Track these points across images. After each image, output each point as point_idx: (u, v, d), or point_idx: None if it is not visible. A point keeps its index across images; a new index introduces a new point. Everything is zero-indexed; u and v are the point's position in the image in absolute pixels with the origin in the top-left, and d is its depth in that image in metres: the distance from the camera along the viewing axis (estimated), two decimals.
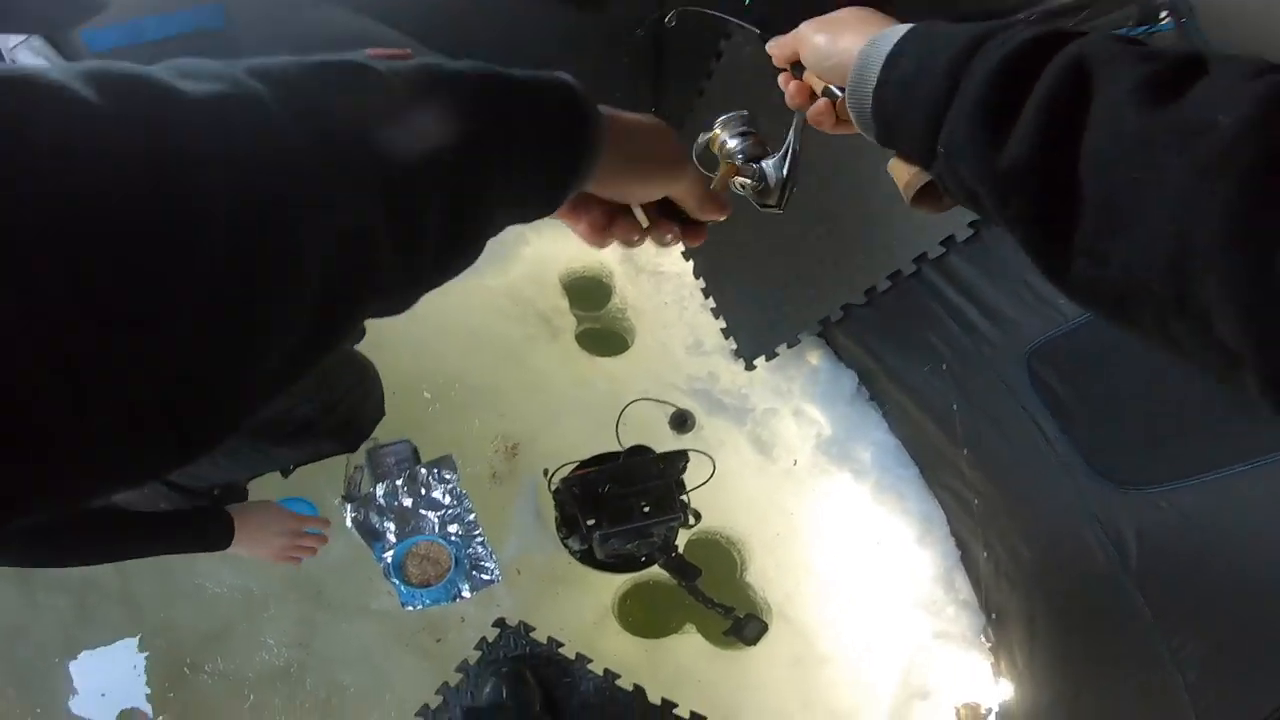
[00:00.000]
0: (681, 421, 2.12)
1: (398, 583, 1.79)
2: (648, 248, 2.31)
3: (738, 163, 0.71)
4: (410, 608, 1.80)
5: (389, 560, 1.81)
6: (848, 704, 1.88)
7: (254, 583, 1.81)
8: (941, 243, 1.62)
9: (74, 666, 1.73)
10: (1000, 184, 0.42)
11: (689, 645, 1.93)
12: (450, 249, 0.38)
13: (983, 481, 1.79)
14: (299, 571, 1.85)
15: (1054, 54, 0.42)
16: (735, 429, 2.12)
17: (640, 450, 1.90)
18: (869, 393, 2.08)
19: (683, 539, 2.02)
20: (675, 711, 1.78)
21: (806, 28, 0.63)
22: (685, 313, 2.26)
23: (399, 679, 1.78)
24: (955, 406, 1.76)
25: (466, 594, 1.84)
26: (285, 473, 1.78)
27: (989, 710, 1.80)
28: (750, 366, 2.15)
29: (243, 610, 1.79)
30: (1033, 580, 1.77)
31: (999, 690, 1.79)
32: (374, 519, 1.84)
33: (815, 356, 2.12)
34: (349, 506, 1.82)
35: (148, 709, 1.72)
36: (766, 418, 2.11)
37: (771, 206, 0.75)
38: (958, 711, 1.81)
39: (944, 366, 1.76)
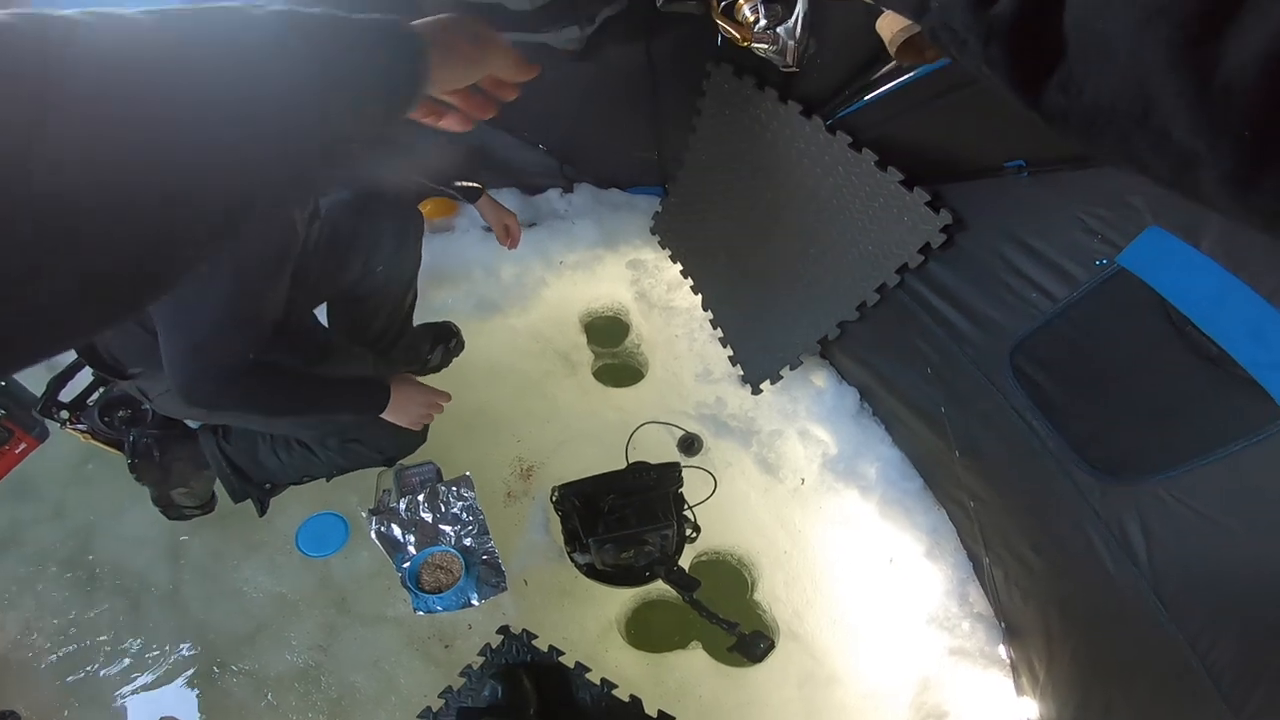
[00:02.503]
0: (689, 444, 2.18)
1: (412, 589, 1.91)
2: (658, 287, 2.48)
3: (757, 29, 0.86)
4: (421, 613, 1.91)
5: (407, 569, 1.94)
6: None
7: (287, 588, 1.98)
8: (920, 250, 1.68)
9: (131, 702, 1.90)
10: (989, 31, 0.50)
11: (693, 661, 1.92)
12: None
13: (981, 486, 1.75)
14: (327, 580, 2.01)
15: None
16: (741, 450, 2.17)
17: (640, 466, 1.98)
18: (871, 408, 2.09)
19: (692, 559, 2.05)
20: None
21: None
22: (695, 344, 2.37)
23: (406, 682, 1.87)
24: (944, 410, 1.75)
25: (475, 601, 1.93)
26: (329, 478, 1.98)
27: None
28: (757, 390, 2.21)
29: (274, 613, 1.95)
30: (1044, 588, 1.68)
31: (1020, 708, 1.68)
32: (396, 531, 1.99)
33: (820, 378, 2.16)
34: (374, 519, 1.98)
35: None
36: (772, 439, 2.15)
37: (790, 68, 0.88)
38: None
39: (929, 370, 1.77)
